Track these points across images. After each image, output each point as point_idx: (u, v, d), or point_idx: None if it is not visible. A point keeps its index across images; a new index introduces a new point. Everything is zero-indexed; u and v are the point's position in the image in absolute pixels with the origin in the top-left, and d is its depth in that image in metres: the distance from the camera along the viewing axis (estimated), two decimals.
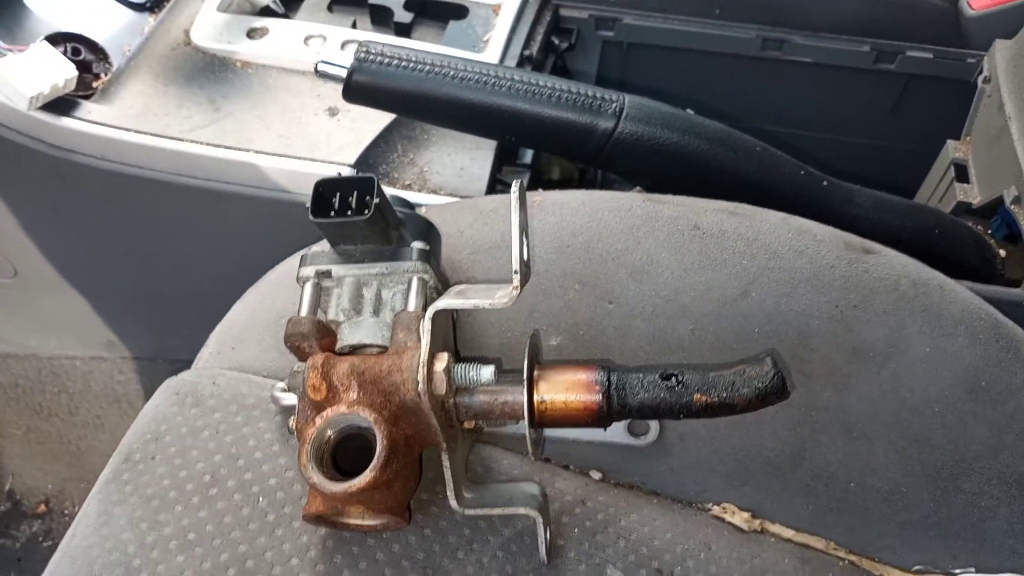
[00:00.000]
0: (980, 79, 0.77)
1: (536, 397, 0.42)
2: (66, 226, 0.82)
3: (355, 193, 0.46)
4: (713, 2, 0.91)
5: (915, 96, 0.94)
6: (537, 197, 0.58)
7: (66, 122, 0.72)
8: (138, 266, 0.85)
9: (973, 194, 0.73)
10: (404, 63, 0.60)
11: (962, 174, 0.75)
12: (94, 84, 0.78)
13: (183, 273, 0.85)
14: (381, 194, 0.45)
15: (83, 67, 0.78)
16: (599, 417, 0.42)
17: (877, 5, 0.89)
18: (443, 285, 0.49)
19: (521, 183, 0.43)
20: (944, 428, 0.51)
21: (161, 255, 0.83)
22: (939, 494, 0.51)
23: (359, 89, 0.61)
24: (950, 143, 0.79)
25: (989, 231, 0.73)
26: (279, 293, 0.58)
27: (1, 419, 1.06)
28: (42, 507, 1.06)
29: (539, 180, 0.80)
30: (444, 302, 0.43)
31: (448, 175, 0.71)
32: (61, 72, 0.72)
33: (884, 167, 0.99)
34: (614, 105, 0.59)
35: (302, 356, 0.46)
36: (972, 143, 0.77)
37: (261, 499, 0.47)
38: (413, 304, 0.46)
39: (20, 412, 1.05)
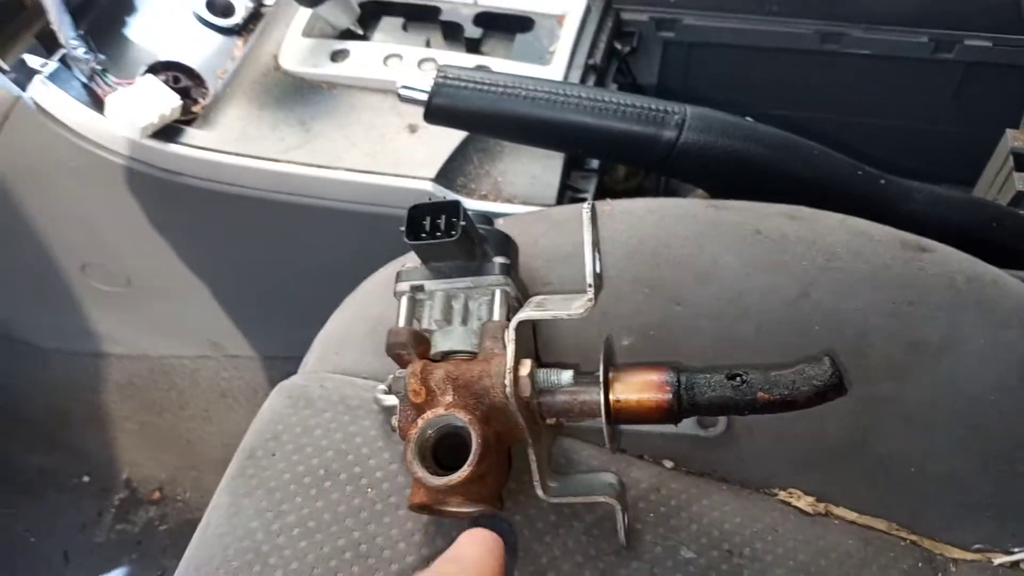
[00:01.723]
0: None
1: (612, 397, 0.47)
2: (174, 240, 0.90)
3: (443, 216, 0.51)
4: None
5: (975, 84, 0.94)
6: (607, 207, 0.62)
7: (174, 148, 0.80)
8: (239, 275, 0.93)
9: None
10: (479, 86, 0.65)
11: (1021, 163, 0.76)
12: (194, 108, 0.85)
13: (279, 280, 0.92)
14: (466, 216, 0.51)
15: (183, 93, 0.85)
16: (670, 415, 0.46)
17: None
18: (522, 293, 0.54)
19: (593, 206, 0.48)
20: (1000, 415, 0.54)
21: (260, 265, 0.90)
22: (996, 477, 0.54)
23: (439, 111, 0.66)
24: (1009, 132, 0.80)
25: None
26: (374, 302, 0.64)
27: (117, 415, 1.15)
28: (156, 494, 1.16)
29: (604, 186, 0.83)
30: (526, 313, 0.48)
31: (521, 184, 0.76)
32: (167, 102, 0.80)
33: (945, 155, 0.99)
34: (676, 116, 0.63)
35: (402, 362, 0.51)
36: None
37: (370, 490, 0.53)
38: (498, 314, 0.51)
39: (134, 408, 1.14)
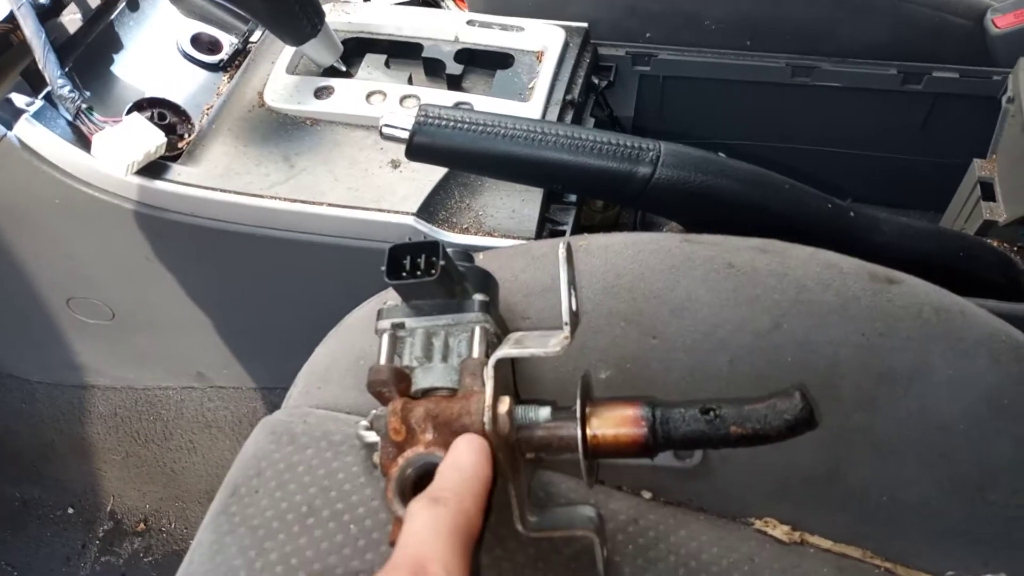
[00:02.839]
0: (1004, 99, 0.80)
1: (589, 432, 0.48)
2: (159, 274, 0.91)
3: (423, 255, 0.52)
4: (743, 34, 0.95)
5: (944, 114, 0.97)
6: (583, 242, 0.64)
7: (159, 184, 0.81)
8: (224, 308, 0.94)
9: (999, 212, 0.76)
10: (459, 124, 0.66)
11: (988, 192, 0.78)
12: (180, 144, 0.86)
13: (264, 313, 0.92)
14: (446, 256, 0.52)
15: (169, 129, 0.86)
16: (646, 449, 0.47)
17: (902, 28, 0.92)
18: (502, 329, 0.55)
19: (568, 245, 0.50)
20: (969, 444, 0.55)
21: (245, 298, 0.91)
22: (967, 505, 0.55)
23: (420, 149, 0.67)
24: (976, 162, 0.82)
25: (1018, 245, 0.76)
26: (356, 337, 0.65)
27: (102, 446, 1.15)
28: (141, 526, 1.15)
29: (583, 217, 0.85)
30: (504, 351, 0.49)
31: (501, 217, 0.77)
32: (152, 140, 0.80)
33: (915, 183, 1.02)
34: (651, 153, 0.65)
35: (383, 400, 0.52)
36: (998, 162, 0.80)
37: (352, 527, 0.54)
38: (477, 351, 0.52)
39: (119, 439, 1.14)
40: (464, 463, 0.43)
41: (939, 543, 0.55)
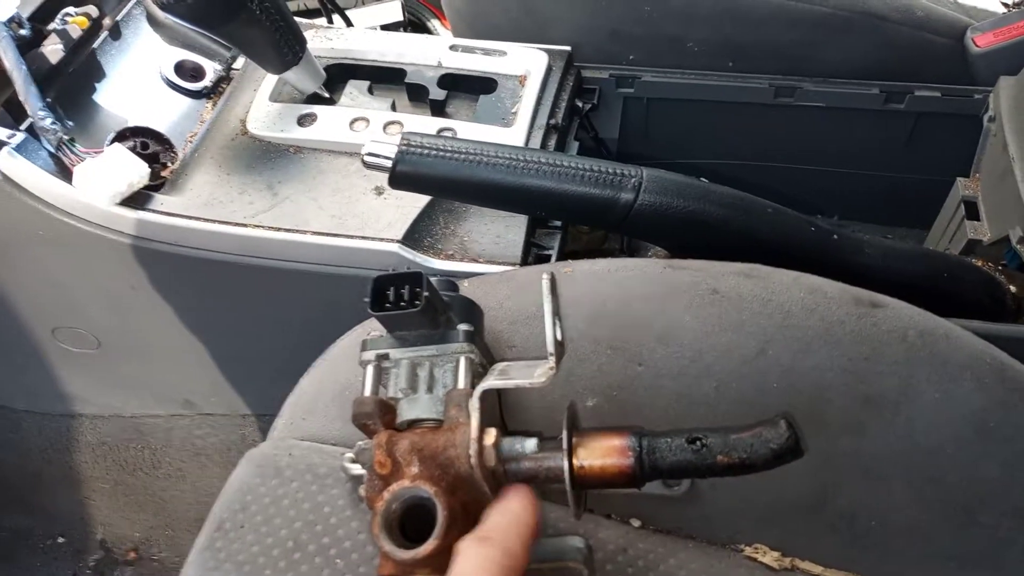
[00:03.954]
0: (985, 118, 0.81)
1: (576, 463, 0.48)
2: (144, 303, 0.90)
3: (407, 286, 0.52)
4: (726, 56, 0.96)
5: (927, 133, 0.97)
6: (567, 269, 0.64)
7: (142, 215, 0.80)
8: (210, 336, 0.93)
9: (983, 231, 0.76)
10: (441, 152, 0.66)
11: (972, 211, 0.78)
12: (163, 173, 0.86)
13: (251, 340, 0.92)
14: (430, 286, 0.52)
15: (152, 158, 0.86)
16: (633, 479, 0.47)
17: (883, 48, 0.93)
18: (487, 359, 0.55)
19: (552, 275, 0.49)
20: (957, 467, 0.55)
21: (230, 326, 0.91)
22: (957, 528, 0.55)
23: (402, 178, 0.67)
24: (960, 181, 0.82)
25: (1003, 263, 0.76)
26: (341, 367, 0.65)
27: (90, 475, 1.14)
28: (132, 554, 1.14)
29: (568, 240, 0.85)
30: (489, 383, 0.49)
31: (486, 243, 0.77)
32: (135, 171, 0.80)
33: (900, 201, 1.02)
34: (633, 180, 0.65)
35: (368, 432, 0.52)
36: (981, 181, 0.80)
37: (338, 561, 0.53)
38: (462, 382, 0.52)
39: (107, 468, 1.13)
40: (513, 507, 0.45)
41: (929, 566, 0.55)
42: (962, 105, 0.93)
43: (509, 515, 0.44)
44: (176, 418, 1.08)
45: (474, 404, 0.48)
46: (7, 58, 0.80)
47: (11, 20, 0.85)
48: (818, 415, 0.56)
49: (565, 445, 0.48)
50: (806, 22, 0.95)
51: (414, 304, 0.51)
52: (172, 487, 1.12)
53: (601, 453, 0.48)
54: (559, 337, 0.50)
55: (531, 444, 0.49)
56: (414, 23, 1.58)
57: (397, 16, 1.53)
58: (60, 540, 1.16)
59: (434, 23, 1.58)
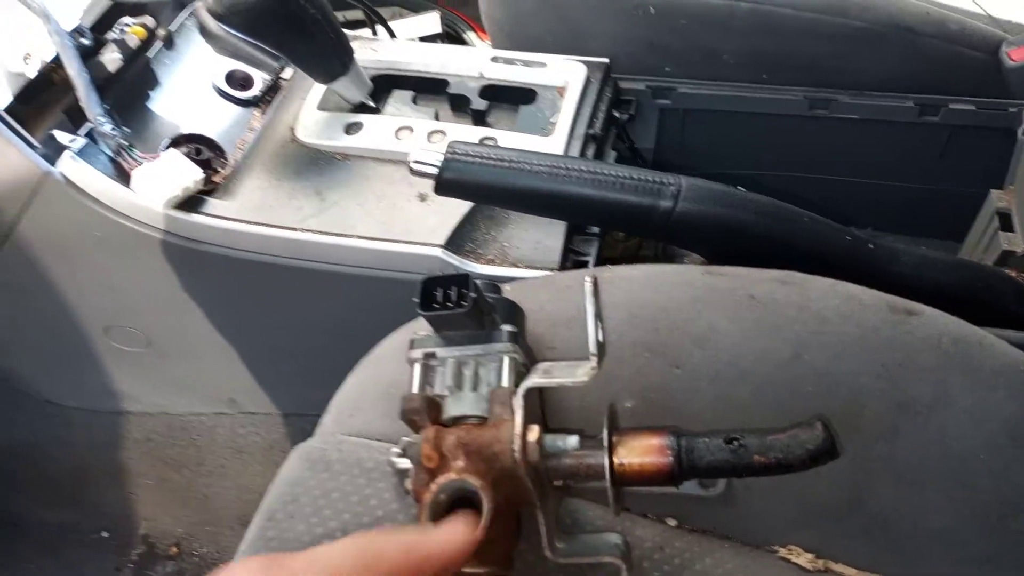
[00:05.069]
0: (1020, 131, 0.81)
1: (616, 461, 0.49)
2: (195, 304, 0.93)
3: (455, 288, 0.54)
4: (760, 68, 0.97)
5: (961, 145, 0.98)
6: (607, 274, 0.66)
7: (196, 218, 0.84)
8: (257, 336, 0.96)
9: (1017, 242, 0.77)
10: (486, 160, 0.69)
11: (1006, 223, 0.79)
12: (215, 179, 0.89)
13: (296, 341, 0.95)
14: (476, 288, 0.54)
15: (205, 164, 0.89)
16: (671, 477, 0.49)
17: (917, 62, 0.94)
18: (529, 359, 0.57)
19: (595, 278, 0.51)
20: (990, 474, 0.56)
21: (277, 327, 0.94)
22: (990, 533, 0.56)
23: (448, 184, 0.70)
24: (994, 193, 0.83)
25: None
26: (387, 366, 0.67)
27: (136, 471, 1.17)
28: (174, 549, 1.17)
29: (605, 246, 0.87)
30: (532, 381, 0.51)
31: (526, 249, 0.79)
32: (190, 175, 0.83)
33: (933, 212, 1.03)
34: (672, 187, 0.67)
35: (414, 427, 0.54)
36: (1015, 193, 0.81)
37: None
38: (506, 381, 0.54)
39: (152, 464, 1.16)
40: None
41: (962, 571, 0.56)
42: (996, 118, 0.93)
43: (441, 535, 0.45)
44: (220, 416, 1.11)
45: (518, 401, 0.50)
46: (71, 66, 0.84)
47: (75, 30, 0.89)
48: (852, 420, 0.57)
49: (606, 443, 0.50)
50: (840, 35, 0.96)
51: (461, 305, 0.53)
52: (215, 484, 1.15)
53: (640, 452, 0.50)
54: (601, 338, 0.52)
55: (573, 441, 0.51)
56: (451, 35, 1.61)
57: (435, 28, 1.56)
58: (104, 535, 1.19)
59: (470, 35, 1.61)
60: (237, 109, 0.99)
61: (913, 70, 0.95)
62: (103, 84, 0.88)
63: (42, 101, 0.90)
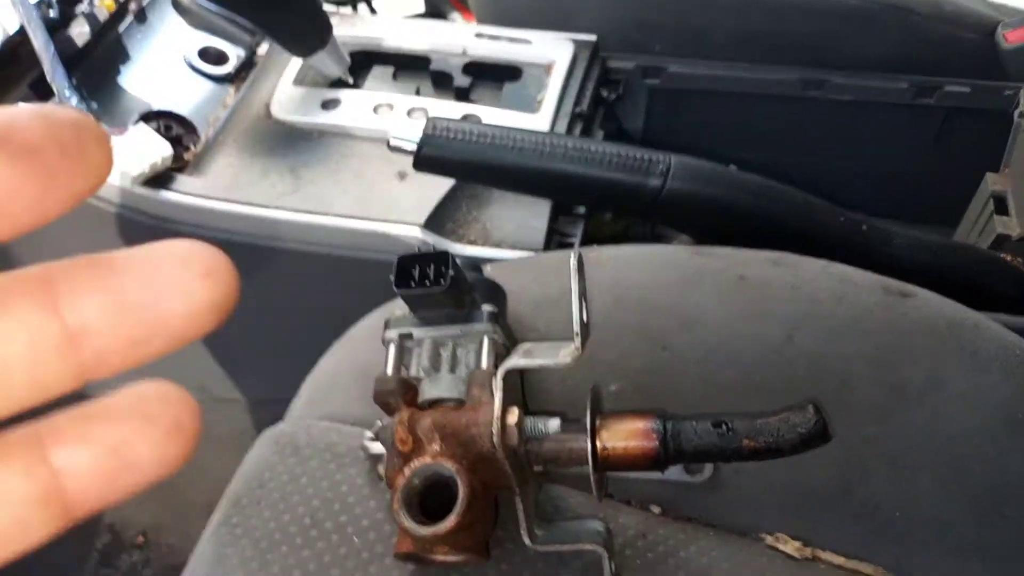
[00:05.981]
0: (1016, 113, 0.80)
1: (599, 445, 0.47)
2: None
3: (432, 265, 0.51)
4: (754, 47, 0.95)
5: (956, 128, 0.96)
6: (593, 254, 0.63)
7: (165, 195, 0.81)
8: (228, 320, 0.93)
9: (1013, 226, 0.75)
10: (467, 135, 0.66)
11: (1001, 206, 0.77)
12: (185, 156, 0.86)
13: (268, 324, 0.92)
14: (455, 266, 0.51)
15: (175, 141, 0.86)
16: (657, 462, 0.47)
17: (913, 43, 0.92)
18: (510, 340, 0.55)
19: (580, 256, 0.49)
20: (984, 459, 0.54)
21: (249, 309, 0.90)
22: (981, 520, 0.54)
23: (427, 161, 0.67)
24: (989, 176, 0.81)
25: None
26: (361, 348, 0.65)
27: None
28: (140, 538, 1.14)
29: (591, 229, 0.85)
30: (513, 362, 0.48)
31: (509, 229, 0.77)
32: (158, 151, 0.81)
33: (928, 196, 1.01)
34: (661, 165, 0.64)
35: (388, 410, 0.52)
36: (1010, 176, 0.79)
37: (355, 539, 0.53)
38: (485, 362, 0.52)
39: None
40: None
41: (954, 559, 0.54)
42: (992, 101, 0.92)
43: None
44: None
45: (497, 383, 0.48)
46: (36, 38, 0.80)
47: (41, 1, 0.85)
48: (844, 403, 0.55)
49: (588, 426, 0.47)
50: (834, 14, 0.94)
51: (439, 283, 0.51)
52: (183, 472, 1.09)
53: (625, 435, 0.48)
54: (585, 319, 0.49)
55: (554, 424, 0.49)
56: (434, 15, 1.58)
57: (418, 7, 1.53)
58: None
59: (454, 15, 1.58)
60: (211, 85, 0.95)
61: (908, 51, 0.93)
62: (71, 58, 0.85)
63: (6, 75, 0.86)
